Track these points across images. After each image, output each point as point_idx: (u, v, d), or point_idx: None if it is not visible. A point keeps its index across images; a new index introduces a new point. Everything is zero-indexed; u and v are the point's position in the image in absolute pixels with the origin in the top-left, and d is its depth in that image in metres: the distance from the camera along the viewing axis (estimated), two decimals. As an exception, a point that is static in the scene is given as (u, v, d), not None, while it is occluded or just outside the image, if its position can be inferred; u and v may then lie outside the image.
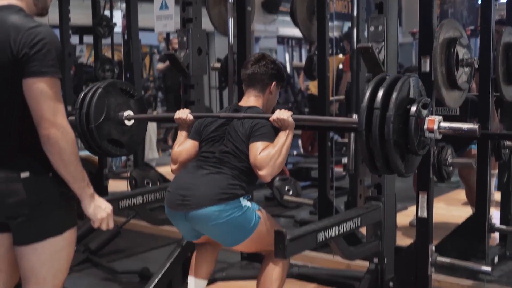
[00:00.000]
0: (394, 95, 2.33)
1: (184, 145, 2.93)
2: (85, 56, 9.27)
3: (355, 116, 4.54)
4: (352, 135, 4.60)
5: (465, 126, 2.46)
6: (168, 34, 9.81)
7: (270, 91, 2.95)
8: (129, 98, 3.67)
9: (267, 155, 2.65)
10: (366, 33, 3.06)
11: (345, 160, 5.99)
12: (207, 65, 3.62)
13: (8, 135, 2.00)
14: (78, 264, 3.93)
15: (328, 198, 4.42)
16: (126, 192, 3.27)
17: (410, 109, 2.39)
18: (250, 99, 2.94)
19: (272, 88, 2.95)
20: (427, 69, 3.07)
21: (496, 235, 4.06)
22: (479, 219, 3.73)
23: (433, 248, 3.20)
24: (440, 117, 2.43)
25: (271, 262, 2.78)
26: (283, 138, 2.69)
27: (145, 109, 3.82)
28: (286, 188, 5.63)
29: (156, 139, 7.34)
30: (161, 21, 4.14)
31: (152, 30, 4.41)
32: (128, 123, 3.64)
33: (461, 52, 3.10)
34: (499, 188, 4.11)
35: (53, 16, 5.96)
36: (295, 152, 6.99)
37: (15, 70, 1.92)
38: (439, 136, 2.44)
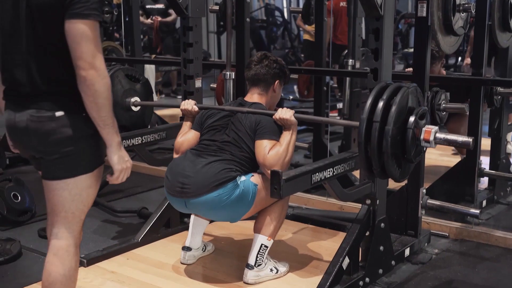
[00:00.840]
0: (393, 108, 2.40)
1: (187, 136, 2.96)
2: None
3: (351, 61, 4.53)
4: (348, 80, 4.57)
5: (460, 138, 2.56)
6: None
7: (274, 89, 2.99)
8: (134, 83, 3.67)
9: (276, 154, 2.68)
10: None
11: (340, 105, 5.97)
12: (205, 7, 3.54)
13: (46, 75, 2.03)
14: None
15: (322, 142, 4.42)
16: (125, 133, 3.24)
17: (408, 119, 2.47)
18: (254, 96, 2.97)
19: (275, 86, 2.99)
20: (424, 13, 3.02)
21: (485, 179, 4.08)
22: (469, 164, 3.74)
23: (424, 191, 3.23)
24: (436, 128, 2.52)
25: (271, 204, 2.81)
26: (288, 137, 2.74)
27: (151, 93, 3.83)
28: (282, 131, 5.61)
29: (155, 82, 7.28)
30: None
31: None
32: (135, 109, 3.65)
33: (459, -3, 3.05)
34: (489, 134, 4.10)
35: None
36: (291, 97, 6.94)
37: (60, 11, 1.95)
38: (434, 146, 2.53)
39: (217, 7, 5.19)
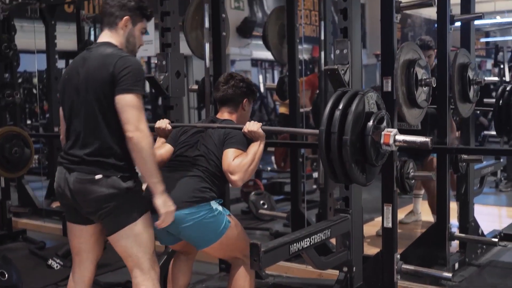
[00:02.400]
0: (349, 117, 2.36)
1: (161, 150, 2.92)
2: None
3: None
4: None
5: (418, 139, 2.48)
6: (149, 58, 9.79)
7: (243, 107, 2.98)
8: None
9: (240, 162, 2.67)
10: (332, 56, 3.07)
11: (315, 174, 5.99)
12: (185, 87, 3.60)
13: (90, 145, 2.41)
14: (65, 279, 3.85)
15: (300, 211, 4.41)
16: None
17: (366, 125, 2.41)
18: (225, 115, 2.97)
19: (244, 104, 2.98)
20: (389, 88, 3.09)
21: (456, 243, 4.08)
22: (440, 228, 3.75)
23: (398, 256, 3.21)
24: (395, 130, 2.44)
25: (239, 271, 2.78)
26: (255, 148, 2.73)
27: None
28: (261, 202, 5.61)
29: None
30: (142, 46, 4.11)
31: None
32: None
33: (420, 73, 3.13)
34: (457, 198, 4.14)
35: (40, 41, 5.95)
36: (269, 168, 6.98)
37: (111, 87, 2.36)
38: (395, 149, 2.48)
39: (196, 87, 5.26)
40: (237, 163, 2.66)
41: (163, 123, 3.01)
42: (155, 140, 3.04)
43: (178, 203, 2.56)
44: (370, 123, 2.42)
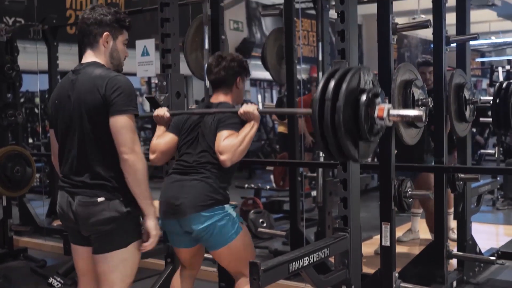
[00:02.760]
0: (344, 85, 2.29)
1: (164, 137, 2.96)
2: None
3: (321, 153, 4.59)
4: (320, 170, 4.61)
5: (412, 113, 2.46)
6: (149, 78, 9.83)
7: (237, 86, 3.00)
8: None
9: (230, 142, 2.70)
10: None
11: (314, 193, 5.98)
12: (185, 107, 3.61)
13: (91, 168, 2.38)
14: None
15: (299, 229, 4.40)
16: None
17: (360, 98, 2.34)
18: (220, 97, 2.98)
19: (237, 83, 3.00)
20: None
21: (454, 261, 4.07)
22: (438, 246, 3.73)
23: (397, 274, 3.20)
24: (390, 105, 2.39)
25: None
26: (248, 129, 2.76)
27: None
28: (260, 220, 5.60)
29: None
30: (142, 67, 4.14)
31: (134, 74, 4.41)
32: None
33: (417, 93, 3.15)
34: (455, 217, 4.13)
35: (42, 62, 5.99)
36: (268, 187, 6.97)
37: (103, 110, 2.33)
38: (389, 123, 2.40)
39: (195, 107, 5.29)
40: (226, 143, 2.70)
41: (162, 111, 3.04)
42: (154, 128, 3.10)
43: (194, 206, 2.68)
44: (364, 96, 2.34)
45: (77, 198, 2.40)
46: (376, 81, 2.52)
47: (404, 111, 2.47)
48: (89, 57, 2.49)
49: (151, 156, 2.94)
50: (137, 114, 2.38)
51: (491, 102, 3.95)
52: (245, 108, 2.76)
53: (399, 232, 4.88)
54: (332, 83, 2.32)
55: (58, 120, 2.48)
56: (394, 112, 2.39)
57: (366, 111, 2.35)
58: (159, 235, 2.44)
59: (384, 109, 2.36)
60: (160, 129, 3.03)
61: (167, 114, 3.02)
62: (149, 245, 2.43)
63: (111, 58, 2.51)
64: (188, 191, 2.73)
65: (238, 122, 2.78)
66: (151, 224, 2.41)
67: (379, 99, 2.41)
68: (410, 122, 3.14)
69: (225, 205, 2.75)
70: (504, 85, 3.95)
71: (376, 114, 2.38)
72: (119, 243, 2.40)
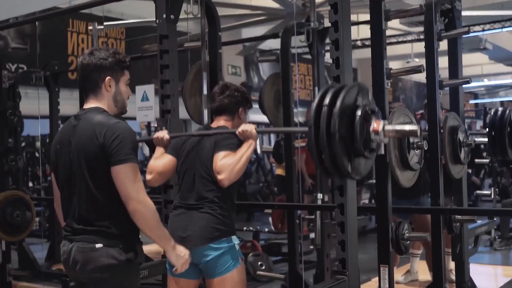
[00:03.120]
0: (342, 94, 2.27)
1: (162, 159, 2.95)
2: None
3: (319, 195, 4.59)
4: (318, 212, 4.60)
5: (407, 127, 2.46)
6: (149, 123, 9.89)
7: (239, 116, 3.00)
8: None
9: (227, 161, 2.70)
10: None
11: (312, 235, 5.95)
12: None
13: (92, 216, 2.32)
14: None
15: (298, 272, 4.37)
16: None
17: (356, 111, 2.31)
18: (220, 122, 2.98)
19: (240, 113, 3.00)
20: (382, 152, 3.11)
21: (454, 302, 4.02)
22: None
23: (396, 317, 3.16)
24: (385, 121, 2.39)
25: None
26: (245, 148, 2.75)
27: None
28: (259, 263, 5.56)
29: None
30: (142, 112, 4.17)
31: (134, 119, 4.44)
32: None
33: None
34: (453, 258, 4.10)
35: (44, 107, 6.02)
36: (266, 229, 6.94)
37: (103, 159, 2.27)
38: (385, 140, 2.38)
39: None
40: (223, 162, 2.69)
41: (162, 134, 3.05)
42: (154, 149, 3.09)
43: (202, 239, 2.70)
44: (361, 110, 2.31)
45: (76, 244, 2.34)
46: (373, 101, 2.49)
47: (399, 126, 2.47)
48: (91, 102, 2.43)
49: (148, 177, 2.92)
50: (137, 162, 2.31)
51: (487, 130, 3.94)
52: (244, 126, 2.78)
53: (398, 273, 4.83)
54: (330, 92, 2.30)
55: (59, 165, 2.43)
56: (389, 127, 2.40)
57: (362, 123, 2.32)
58: (184, 261, 2.46)
59: (380, 123, 2.37)
60: (159, 151, 3.03)
61: (167, 136, 3.03)
62: (177, 269, 2.47)
63: (115, 101, 2.45)
64: (193, 222, 2.74)
65: (235, 143, 2.78)
66: (173, 259, 2.43)
67: (375, 115, 2.40)
68: (406, 165, 3.15)
69: (232, 236, 2.76)
70: (500, 112, 3.94)
71: (372, 128, 2.37)
72: None
